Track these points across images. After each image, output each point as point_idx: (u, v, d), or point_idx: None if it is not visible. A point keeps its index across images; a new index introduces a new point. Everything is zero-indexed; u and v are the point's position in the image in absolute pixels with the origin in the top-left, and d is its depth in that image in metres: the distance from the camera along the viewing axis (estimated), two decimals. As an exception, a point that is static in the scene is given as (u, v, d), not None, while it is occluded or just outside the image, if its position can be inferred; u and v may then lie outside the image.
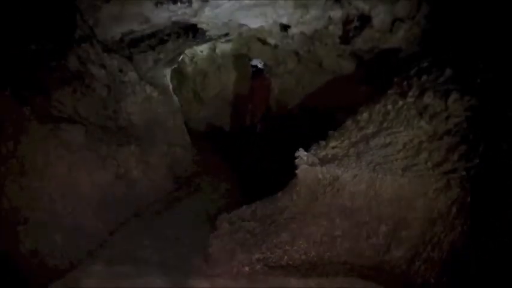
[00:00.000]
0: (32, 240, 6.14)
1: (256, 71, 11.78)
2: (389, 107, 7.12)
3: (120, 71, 8.80)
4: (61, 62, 7.62)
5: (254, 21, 9.38)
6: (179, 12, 8.28)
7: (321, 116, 10.92)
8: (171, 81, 11.17)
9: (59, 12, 7.48)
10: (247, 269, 5.96)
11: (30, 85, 7.01)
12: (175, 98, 10.91)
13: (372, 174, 6.05)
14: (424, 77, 7.24)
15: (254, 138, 11.89)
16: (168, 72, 10.94)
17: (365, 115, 7.29)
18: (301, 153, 6.65)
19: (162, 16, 8.32)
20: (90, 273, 6.09)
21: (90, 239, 6.79)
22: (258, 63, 11.32)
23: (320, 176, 6.32)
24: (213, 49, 12.75)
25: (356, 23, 9.25)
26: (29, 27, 7.14)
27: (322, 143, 7.11)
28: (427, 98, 6.75)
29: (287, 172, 6.72)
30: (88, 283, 5.87)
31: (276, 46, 11.55)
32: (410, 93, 7.08)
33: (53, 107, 7.22)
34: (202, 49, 12.47)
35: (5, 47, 6.81)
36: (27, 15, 7.11)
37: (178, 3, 8.04)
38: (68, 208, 6.71)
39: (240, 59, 13.23)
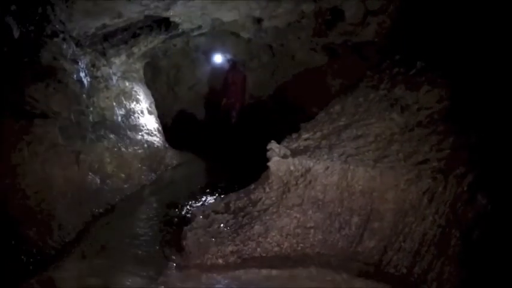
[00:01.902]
0: (6, 236, 6.10)
1: (231, 65, 11.84)
2: (361, 99, 7.18)
3: (93, 65, 8.76)
4: (33, 58, 7.55)
5: (227, 15, 9.36)
6: (151, 6, 8.23)
7: (293, 108, 10.99)
8: (144, 75, 11.15)
9: (30, 6, 7.40)
10: (220, 261, 5.98)
11: (2, 81, 6.95)
12: (149, 92, 10.90)
13: (343, 166, 6.11)
14: (396, 70, 7.32)
15: (228, 130, 11.96)
16: (141, 66, 10.91)
17: (337, 107, 7.35)
18: (273, 145, 6.69)
19: (135, 10, 8.26)
20: (64, 268, 6.07)
21: (64, 234, 6.74)
22: (230, 56, 11.39)
23: (292, 167, 6.36)
24: (187, 42, 12.74)
25: (328, 17, 9.28)
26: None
27: (295, 135, 7.16)
28: (399, 90, 6.83)
29: (260, 164, 6.75)
30: (63, 279, 5.86)
31: (249, 40, 11.58)
32: (382, 86, 7.16)
33: (25, 103, 7.16)
34: (175, 43, 12.45)
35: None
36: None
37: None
38: (41, 204, 6.67)
39: (213, 52, 13.26)
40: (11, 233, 6.16)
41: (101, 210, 7.66)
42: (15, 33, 7.07)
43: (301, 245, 6.12)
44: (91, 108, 8.35)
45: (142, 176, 9.10)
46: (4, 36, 6.97)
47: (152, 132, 10.13)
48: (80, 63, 8.25)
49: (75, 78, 8.06)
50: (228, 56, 12.42)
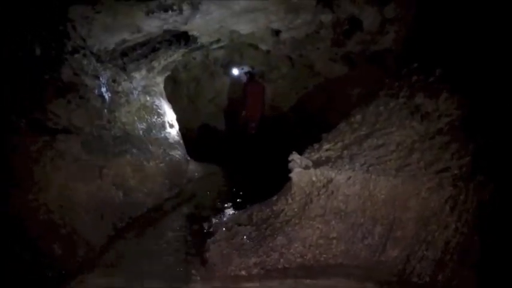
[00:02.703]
0: (30, 251, 6.16)
1: (250, 77, 11.89)
2: (382, 108, 7.17)
3: (114, 81, 8.83)
4: (54, 74, 7.64)
5: (245, 27, 9.41)
6: (170, 20, 8.30)
7: (314, 118, 10.99)
8: (164, 89, 11.20)
9: (51, 23, 7.49)
10: (244, 273, 6.00)
11: (25, 97, 7.03)
12: (170, 106, 10.95)
13: (365, 176, 6.10)
14: (415, 77, 7.30)
15: (249, 142, 11.98)
16: (161, 80, 10.96)
17: (358, 117, 7.34)
18: (295, 156, 6.69)
19: (154, 25, 8.33)
20: (87, 283, 6.11)
21: (88, 249, 6.80)
22: (249, 69, 11.44)
23: (314, 178, 6.36)
24: (206, 56, 12.81)
25: (346, 26, 9.31)
26: (21, 40, 7.17)
27: (316, 145, 7.16)
28: (418, 98, 6.81)
29: (282, 175, 6.76)
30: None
31: (268, 51, 11.61)
32: (401, 94, 7.14)
33: (48, 118, 7.24)
34: (195, 56, 12.51)
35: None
36: (19, 27, 7.14)
37: (169, 12, 8.06)
38: (65, 219, 6.73)
39: (232, 64, 13.32)
40: (35, 247, 6.23)
41: (124, 225, 7.70)
42: (36, 51, 7.18)
43: (324, 255, 6.11)
44: (113, 123, 8.41)
45: (165, 190, 9.10)
46: (26, 53, 7.08)
47: (174, 146, 10.16)
48: (101, 79, 8.33)
49: (97, 94, 8.14)
50: (247, 68, 12.45)
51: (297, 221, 6.21)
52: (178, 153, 10.21)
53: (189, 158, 10.69)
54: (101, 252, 6.89)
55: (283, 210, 6.44)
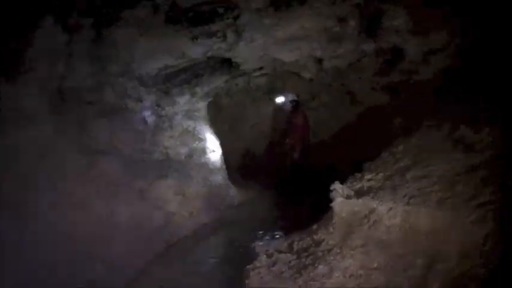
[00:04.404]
0: (71, 271, 6.25)
1: (293, 105, 11.94)
2: (424, 139, 7.14)
3: (157, 105, 8.96)
4: (98, 96, 7.79)
5: (288, 55, 9.47)
6: (214, 47, 8.42)
7: (355, 147, 10.95)
8: (207, 114, 11.30)
9: (95, 46, 7.64)
10: (284, 302, 5.98)
11: (69, 119, 7.17)
12: (212, 131, 11.04)
13: (406, 208, 6.05)
14: (457, 108, 7.26)
15: (292, 170, 11.99)
16: (204, 105, 11.06)
17: (400, 148, 7.32)
18: (336, 185, 6.68)
19: (198, 51, 8.46)
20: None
21: (127, 270, 6.87)
22: (294, 97, 11.49)
23: (356, 208, 6.32)
24: (248, 82, 12.89)
25: (389, 56, 9.32)
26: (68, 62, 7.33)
27: (358, 175, 7.14)
28: (462, 130, 6.77)
29: (323, 202, 6.76)
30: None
31: (310, 80, 11.64)
32: (444, 125, 7.10)
33: (91, 140, 7.37)
34: (237, 82, 12.59)
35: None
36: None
37: (213, 38, 8.18)
38: (106, 239, 6.82)
39: (274, 92, 13.38)
40: (77, 268, 6.32)
41: (163, 249, 7.77)
42: (84, 73, 7.33)
43: (364, 286, 6.07)
44: (155, 147, 8.53)
45: (205, 214, 9.16)
46: (70, 74, 7.24)
47: (214, 171, 10.24)
48: (144, 102, 8.47)
49: (140, 117, 8.26)
50: (292, 97, 12.50)
51: (338, 251, 6.17)
52: (219, 178, 10.28)
53: (230, 183, 10.74)
54: (139, 276, 6.97)
55: (324, 239, 6.41)
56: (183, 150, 9.40)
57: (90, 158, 7.12)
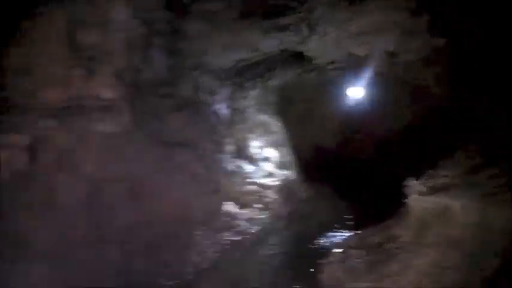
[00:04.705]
0: (144, 259, 6.37)
1: (364, 99, 11.86)
2: (499, 137, 6.99)
3: (231, 98, 9.03)
4: (174, 89, 7.88)
5: (361, 49, 9.39)
6: (286, 41, 8.42)
7: (429, 142, 10.77)
8: (278, 108, 11.32)
9: (171, 40, 7.74)
10: (355, 297, 5.95)
11: (145, 111, 7.27)
12: (283, 125, 11.06)
13: (480, 205, 5.94)
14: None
15: (361, 164, 11.90)
16: (275, 99, 11.09)
17: (474, 146, 7.19)
18: (411, 182, 6.59)
19: (270, 44, 8.47)
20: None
21: (201, 261, 6.96)
22: (363, 90, 11.40)
23: (430, 205, 6.24)
24: (320, 76, 12.82)
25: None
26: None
27: (432, 172, 7.04)
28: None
29: (395, 199, 6.70)
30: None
31: (382, 74, 11.52)
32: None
33: (167, 132, 7.47)
34: (308, 76, 12.55)
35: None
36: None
37: (286, 32, 8.17)
38: (180, 230, 6.92)
39: (346, 86, 13.29)
40: (152, 255, 6.44)
41: (236, 239, 7.82)
42: (159, 66, 7.43)
43: (437, 285, 5.98)
44: (228, 139, 8.59)
45: (277, 208, 9.18)
46: (148, 68, 7.34)
47: (285, 165, 10.25)
48: (218, 96, 8.52)
49: (214, 110, 8.33)
50: (361, 90, 12.41)
51: (411, 248, 6.10)
52: (289, 172, 10.29)
53: (300, 178, 10.74)
54: (212, 266, 7.02)
55: (397, 236, 6.35)
56: (256, 143, 9.45)
57: (166, 150, 7.21)
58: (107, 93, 6.58)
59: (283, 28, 8.13)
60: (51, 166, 5.80)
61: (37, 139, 5.58)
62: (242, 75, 9.32)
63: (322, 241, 7.79)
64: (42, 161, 5.68)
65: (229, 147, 8.63)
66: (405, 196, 6.44)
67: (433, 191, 6.42)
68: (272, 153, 9.89)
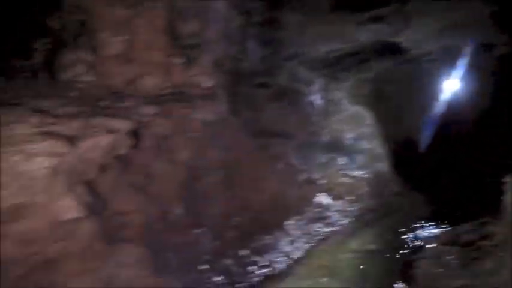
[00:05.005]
0: (237, 246, 6.49)
1: (459, 90, 11.65)
2: None
3: (325, 89, 9.03)
4: (270, 79, 7.95)
5: (457, 41, 9.23)
6: (381, 32, 8.35)
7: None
8: (371, 100, 11.22)
9: (267, 31, 7.81)
10: (448, 295, 5.86)
11: (242, 100, 7.37)
12: (376, 117, 10.96)
13: None
14: None
15: (458, 160, 11.69)
16: (369, 91, 11.01)
17: None
18: (509, 179, 6.43)
19: (364, 36, 8.43)
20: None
21: (293, 250, 7.03)
22: (458, 81, 11.21)
23: (528, 203, 6.07)
24: (414, 68, 12.63)
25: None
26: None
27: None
28: None
29: (491, 196, 6.55)
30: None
31: (478, 66, 11.27)
32: None
33: (263, 122, 7.55)
34: (403, 68, 12.37)
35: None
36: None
37: (380, 23, 8.11)
38: (274, 219, 7.00)
39: (441, 78, 13.05)
40: (245, 242, 6.53)
41: (329, 230, 7.85)
42: (255, 56, 7.51)
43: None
44: (323, 130, 8.61)
45: (369, 200, 9.13)
46: (245, 58, 7.43)
47: (378, 157, 10.17)
48: (313, 86, 8.54)
49: (309, 101, 8.35)
50: (456, 83, 12.17)
51: (507, 247, 5.95)
52: (382, 165, 10.20)
53: (392, 171, 10.62)
54: (305, 255, 7.10)
55: (492, 233, 6.20)
56: (350, 135, 9.44)
57: (261, 140, 7.30)
58: (206, 82, 6.73)
59: (378, 19, 8.08)
60: (151, 152, 5.95)
61: (139, 125, 5.73)
62: (336, 66, 9.32)
63: (414, 236, 7.70)
64: (142, 146, 5.84)
65: (324, 138, 8.63)
66: (502, 193, 6.27)
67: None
68: (365, 145, 9.83)
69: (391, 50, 9.59)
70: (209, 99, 6.65)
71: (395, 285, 6.21)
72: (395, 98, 13.46)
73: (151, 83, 6.31)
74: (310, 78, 8.64)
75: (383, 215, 8.97)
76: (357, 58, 9.49)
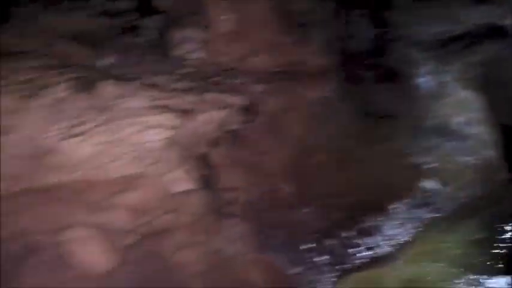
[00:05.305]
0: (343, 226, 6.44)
1: None
2: None
3: (432, 72, 8.86)
4: (378, 61, 7.88)
5: None
6: (487, 14, 8.11)
7: None
8: (480, 84, 10.91)
9: (377, 10, 7.73)
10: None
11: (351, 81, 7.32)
12: (485, 102, 10.65)
13: None
14: None
15: None
16: (477, 75, 10.68)
17: None
18: None
19: (474, 17, 8.24)
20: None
21: (397, 233, 7.07)
22: None
23: None
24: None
25: None
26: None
27: None
28: None
29: None
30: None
31: None
32: None
33: (370, 103, 7.50)
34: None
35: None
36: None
37: (490, 5, 7.89)
38: (380, 201, 7.19)
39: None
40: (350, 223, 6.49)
41: (434, 216, 7.73)
42: (365, 36, 7.44)
43: None
44: (431, 114, 8.44)
45: (476, 188, 8.87)
46: (354, 38, 7.38)
47: (487, 144, 9.86)
48: (421, 68, 8.41)
49: (417, 83, 8.23)
50: None
51: None
52: (491, 151, 9.89)
53: (502, 159, 10.30)
54: (408, 241, 7.04)
55: None
56: (458, 120, 9.20)
57: (370, 121, 7.25)
58: (316, 61, 6.72)
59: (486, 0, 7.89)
60: (261, 129, 6.01)
61: (250, 102, 5.78)
62: (445, 48, 9.12)
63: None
64: (253, 123, 5.89)
65: (431, 122, 8.46)
66: None
67: None
68: (474, 130, 9.55)
69: (499, 33, 9.32)
70: (319, 78, 6.66)
71: (500, 276, 6.05)
72: (506, 83, 13.04)
73: (262, 60, 6.38)
74: (419, 60, 8.48)
75: (491, 203, 8.65)
76: (466, 41, 9.27)
